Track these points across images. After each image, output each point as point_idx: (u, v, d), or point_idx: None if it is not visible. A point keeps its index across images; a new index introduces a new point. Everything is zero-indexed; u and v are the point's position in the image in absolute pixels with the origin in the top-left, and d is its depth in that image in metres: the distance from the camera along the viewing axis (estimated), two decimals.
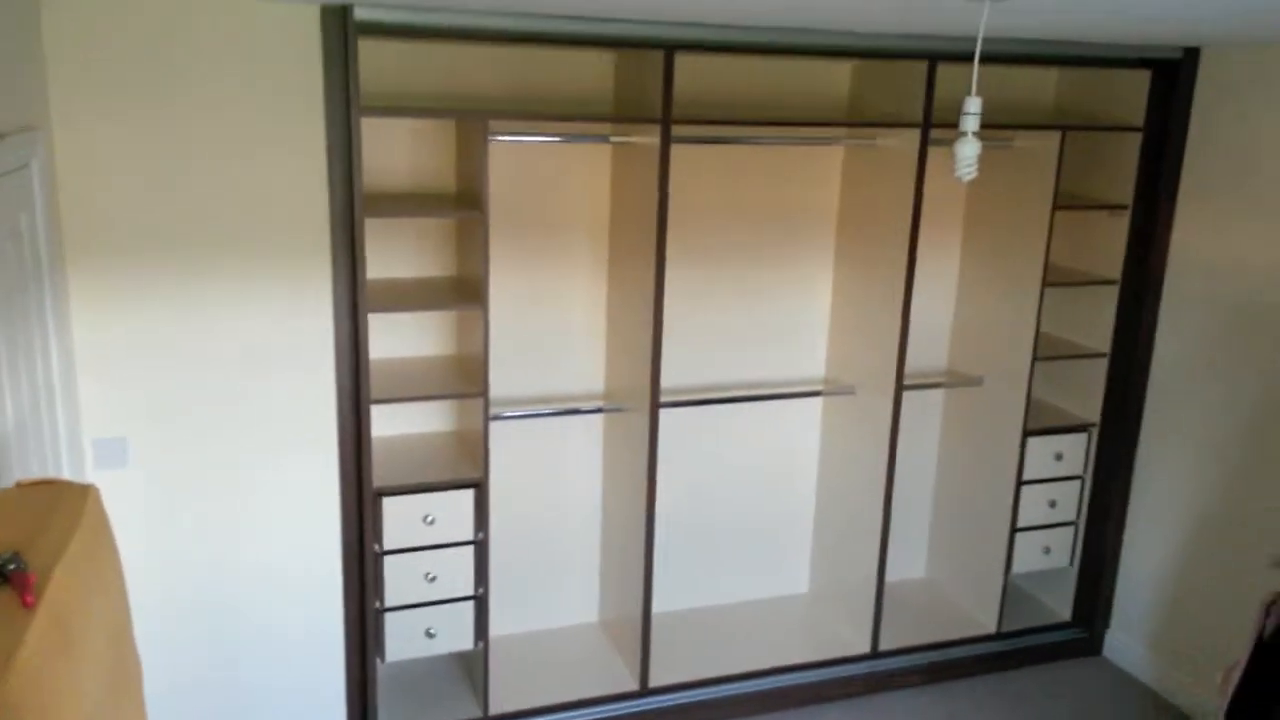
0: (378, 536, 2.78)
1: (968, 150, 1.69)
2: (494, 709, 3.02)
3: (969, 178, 1.72)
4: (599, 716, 3.09)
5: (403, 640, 2.84)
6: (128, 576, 2.65)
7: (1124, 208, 3.34)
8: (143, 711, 1.45)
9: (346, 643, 2.89)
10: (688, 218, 3.27)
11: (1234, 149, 3.12)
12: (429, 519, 2.80)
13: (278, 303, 2.64)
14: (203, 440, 2.65)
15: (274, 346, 2.66)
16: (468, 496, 2.83)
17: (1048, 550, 3.57)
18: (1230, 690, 2.45)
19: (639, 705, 3.13)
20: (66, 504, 1.35)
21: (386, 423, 3.05)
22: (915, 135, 3.01)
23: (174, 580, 2.71)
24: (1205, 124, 3.21)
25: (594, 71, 3.00)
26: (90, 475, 2.55)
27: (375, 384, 2.75)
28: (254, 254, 2.59)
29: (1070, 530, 3.60)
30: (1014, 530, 3.47)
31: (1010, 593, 3.80)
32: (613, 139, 2.98)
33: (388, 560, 2.79)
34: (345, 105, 2.53)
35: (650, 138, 2.81)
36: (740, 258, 3.37)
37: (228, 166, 2.53)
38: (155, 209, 2.50)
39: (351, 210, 2.58)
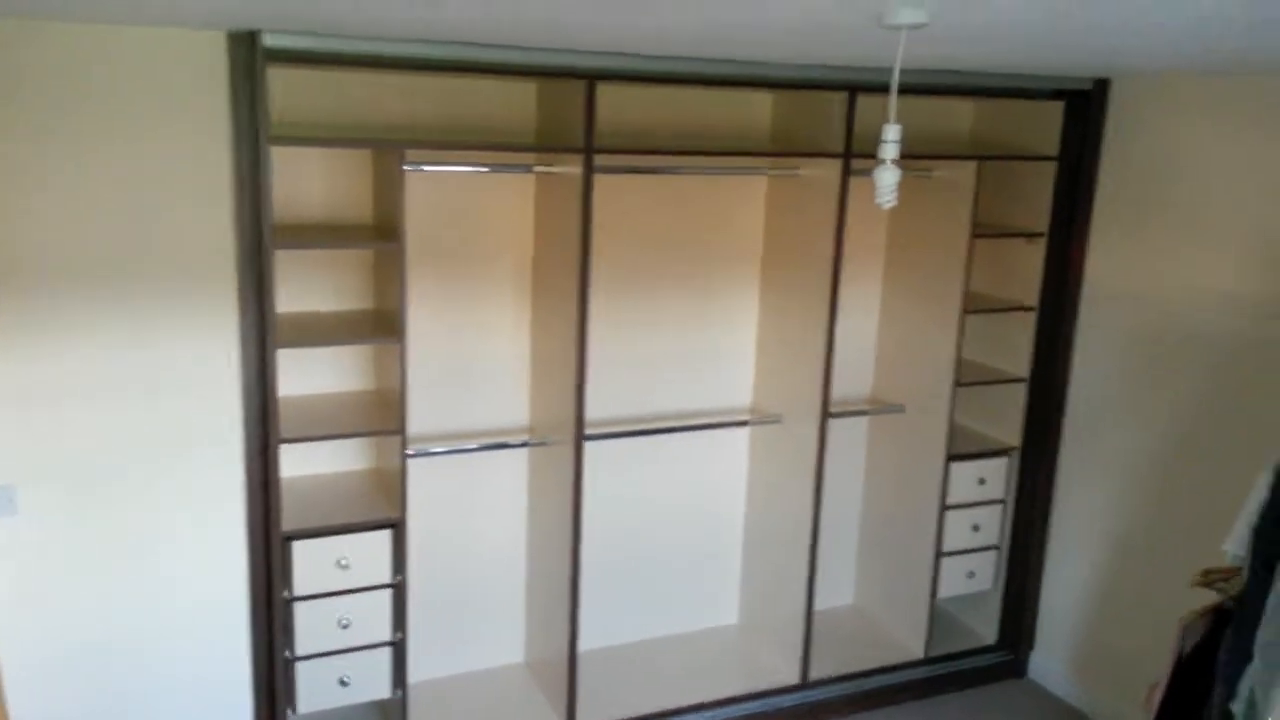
0: (287, 583, 2.65)
1: (887, 178, 1.68)
2: None
3: (889, 205, 1.71)
4: None
5: (315, 690, 2.71)
6: (17, 626, 2.47)
7: (1040, 235, 3.40)
8: None
9: (255, 694, 2.75)
10: (612, 248, 3.22)
11: (1144, 176, 3.20)
12: (343, 562, 2.68)
13: (182, 340, 2.51)
14: (100, 486, 2.50)
15: (177, 385, 2.53)
16: (384, 538, 2.72)
17: (972, 574, 3.60)
18: (1155, 707, 2.49)
19: None
20: None
21: (299, 462, 2.93)
22: (836, 165, 3.02)
23: (70, 635, 2.54)
24: (1116, 152, 3.29)
25: (515, 101, 2.94)
26: None
27: (286, 422, 2.63)
28: (157, 289, 2.46)
29: (994, 554, 3.63)
30: (939, 555, 3.49)
31: (937, 617, 3.80)
32: (535, 169, 2.92)
33: (298, 606, 2.66)
34: (254, 135, 2.42)
35: (573, 168, 2.76)
36: (665, 288, 3.34)
37: (128, 197, 2.40)
38: (50, 242, 2.35)
39: (260, 242, 2.46)
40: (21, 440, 2.41)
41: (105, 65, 2.32)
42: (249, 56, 2.36)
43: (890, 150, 1.71)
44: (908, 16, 1.59)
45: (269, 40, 2.31)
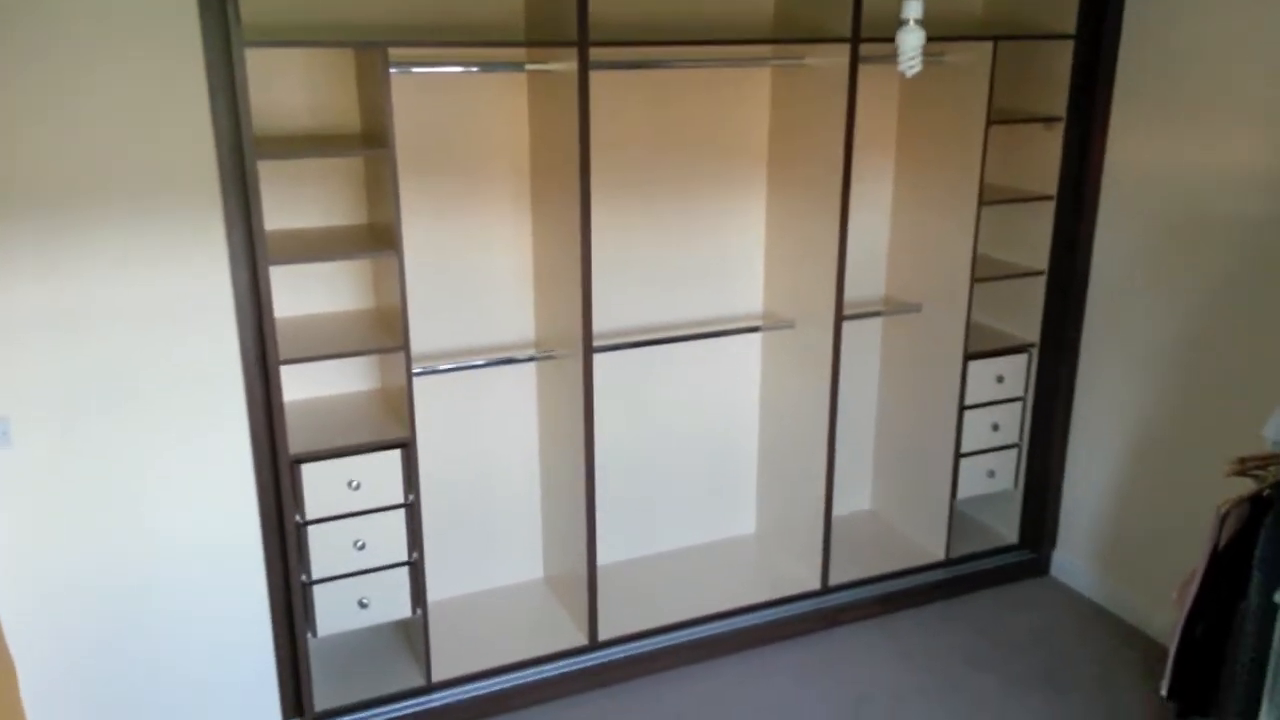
0: (298, 506, 2.59)
1: (912, 40, 1.56)
2: (438, 675, 2.88)
3: (914, 71, 1.59)
4: (549, 674, 2.98)
5: (334, 613, 2.68)
6: (17, 568, 2.43)
7: (1059, 120, 3.25)
8: (17, 713, 1.27)
9: (273, 619, 2.72)
10: (612, 150, 3.09)
11: (1167, 53, 3.04)
12: (354, 484, 2.62)
13: (171, 261, 2.40)
14: (96, 416, 2.42)
15: (168, 308, 2.43)
16: (394, 458, 2.66)
17: (992, 474, 3.54)
18: (1188, 603, 2.44)
19: (590, 660, 3.03)
20: None
21: (301, 385, 2.85)
22: (844, 51, 2.87)
23: (72, 571, 2.49)
24: (1138, 28, 3.12)
25: None
26: None
27: (284, 343, 2.55)
28: (137, 208, 2.35)
29: (1014, 453, 3.57)
30: (958, 456, 3.43)
31: (956, 519, 3.77)
32: (527, 67, 2.77)
33: (311, 530, 2.61)
34: (225, 37, 2.28)
35: (567, 64, 2.61)
36: (670, 190, 3.21)
37: (98, 111, 2.27)
38: (19, 164, 2.23)
39: (241, 152, 2.34)
40: (12, 371, 2.32)
41: None
42: None
43: (914, 8, 1.59)
44: None
45: None
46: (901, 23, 1.59)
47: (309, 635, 2.70)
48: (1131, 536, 3.38)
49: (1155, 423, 3.24)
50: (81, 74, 2.24)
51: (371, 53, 2.46)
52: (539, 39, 2.75)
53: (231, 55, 2.24)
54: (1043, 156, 3.33)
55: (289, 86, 2.61)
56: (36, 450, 2.38)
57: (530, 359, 3.05)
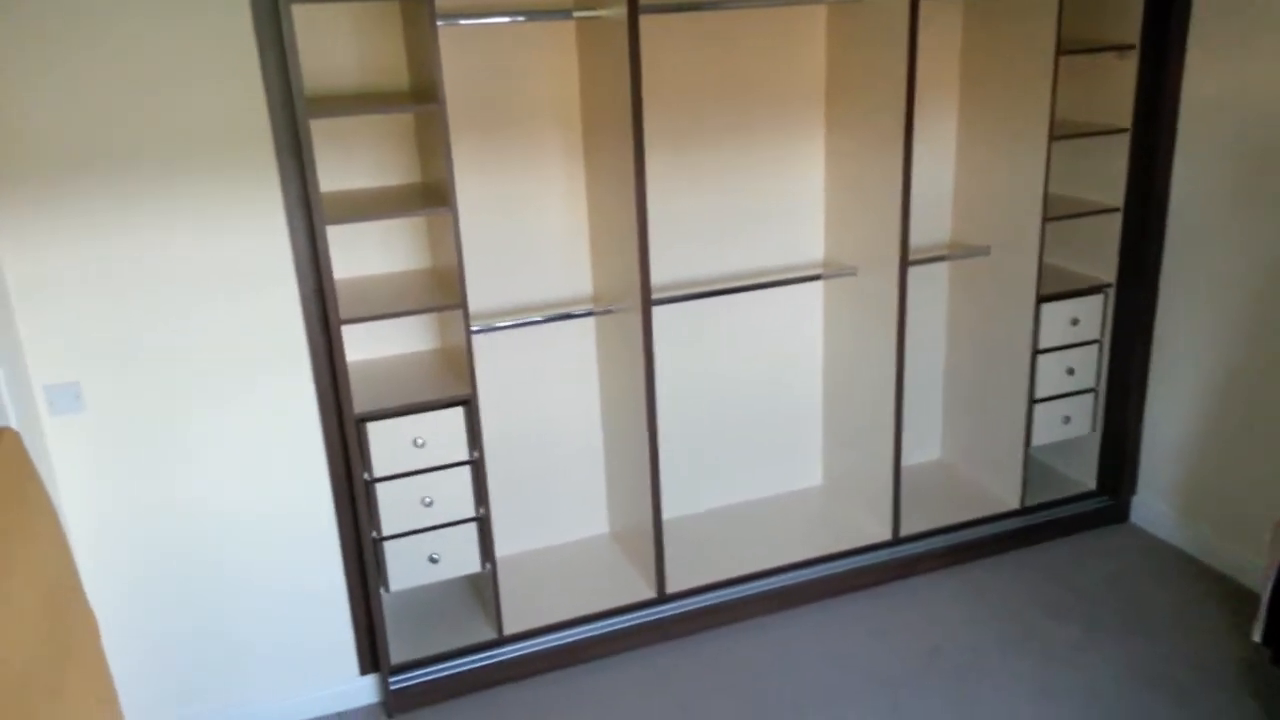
0: (366, 464, 2.62)
1: None
2: (509, 629, 2.91)
3: None
4: (618, 627, 2.99)
5: (406, 568, 2.72)
6: (95, 531, 2.50)
7: (1132, 48, 3.10)
8: (101, 671, 1.30)
9: (347, 576, 2.76)
10: (664, 98, 3.03)
11: None
12: (419, 442, 2.64)
13: (227, 221, 2.43)
14: (165, 377, 2.47)
15: (229, 270, 2.46)
16: (457, 415, 2.67)
17: (1067, 420, 3.43)
18: None
19: (658, 612, 3.03)
20: None
21: (362, 346, 2.87)
22: None
23: (149, 531, 2.56)
24: None
25: None
26: (46, 424, 2.38)
27: (344, 303, 2.56)
28: (195, 169, 2.37)
29: (1090, 397, 3.45)
30: (1032, 401, 3.32)
31: (1031, 466, 3.67)
32: (575, 14, 2.72)
33: (380, 488, 2.64)
34: None
35: (616, 9, 2.56)
36: (725, 137, 3.14)
37: (151, 75, 2.29)
38: (79, 130, 2.27)
39: (293, 112, 2.34)
40: (81, 336, 2.38)
41: None
42: None
43: None
44: None
45: None
46: None
47: (382, 591, 2.74)
48: (1216, 479, 3.25)
49: (1240, 361, 3.10)
50: (134, 37, 2.26)
51: (417, 4, 2.43)
52: None
53: (279, 12, 2.23)
54: (1115, 87, 3.18)
55: (337, 45, 2.60)
56: (108, 414, 2.44)
57: (588, 314, 3.03)
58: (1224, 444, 3.20)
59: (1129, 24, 3.09)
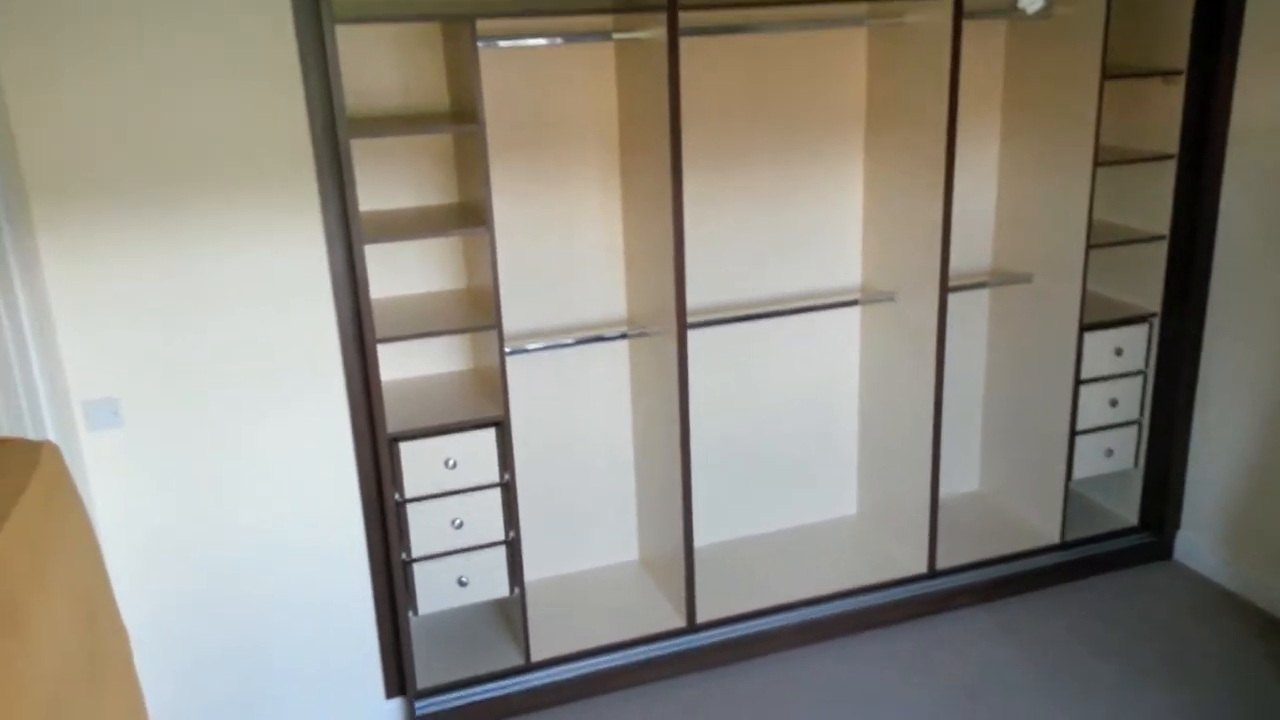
0: (397, 485, 2.60)
1: None
2: (537, 655, 2.87)
3: (1035, 9, 1.47)
4: (647, 656, 2.93)
5: (434, 592, 2.69)
6: (129, 546, 2.49)
7: (1179, 73, 3.04)
8: (132, 688, 1.29)
9: (375, 598, 2.74)
10: (703, 119, 3.01)
11: None
12: (450, 463, 2.62)
13: (266, 240, 2.43)
14: (200, 394, 2.47)
15: (267, 288, 2.46)
16: (489, 436, 2.65)
17: (1110, 453, 3.35)
18: None
19: (689, 642, 2.97)
20: (13, 465, 1.17)
21: (396, 365, 2.86)
22: (947, 6, 2.72)
23: (180, 547, 2.55)
24: None
25: None
26: (83, 440, 2.39)
27: (380, 322, 2.55)
28: (236, 189, 2.38)
29: (1134, 430, 3.37)
30: (1074, 433, 3.25)
31: (1072, 500, 3.58)
32: (615, 35, 2.72)
33: (410, 509, 2.62)
34: (317, 14, 2.29)
35: (656, 30, 2.55)
36: (763, 160, 3.12)
37: (195, 95, 2.31)
38: (123, 149, 2.29)
39: (334, 131, 2.35)
40: (119, 352, 2.38)
41: None
42: None
43: None
44: None
45: None
46: None
47: (410, 614, 2.71)
48: (1264, 516, 3.15)
49: None
50: (180, 60, 2.27)
51: (459, 26, 2.44)
52: (626, 5, 2.69)
53: (323, 33, 2.24)
54: (1162, 113, 3.13)
55: (379, 65, 2.61)
56: (146, 429, 2.44)
57: (623, 336, 3.01)
58: (1271, 480, 3.11)
59: (1177, 48, 3.04)
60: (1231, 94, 3.06)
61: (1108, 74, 2.96)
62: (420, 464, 2.59)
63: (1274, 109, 2.95)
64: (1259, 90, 2.98)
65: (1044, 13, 2.94)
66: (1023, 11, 1.52)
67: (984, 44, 3.25)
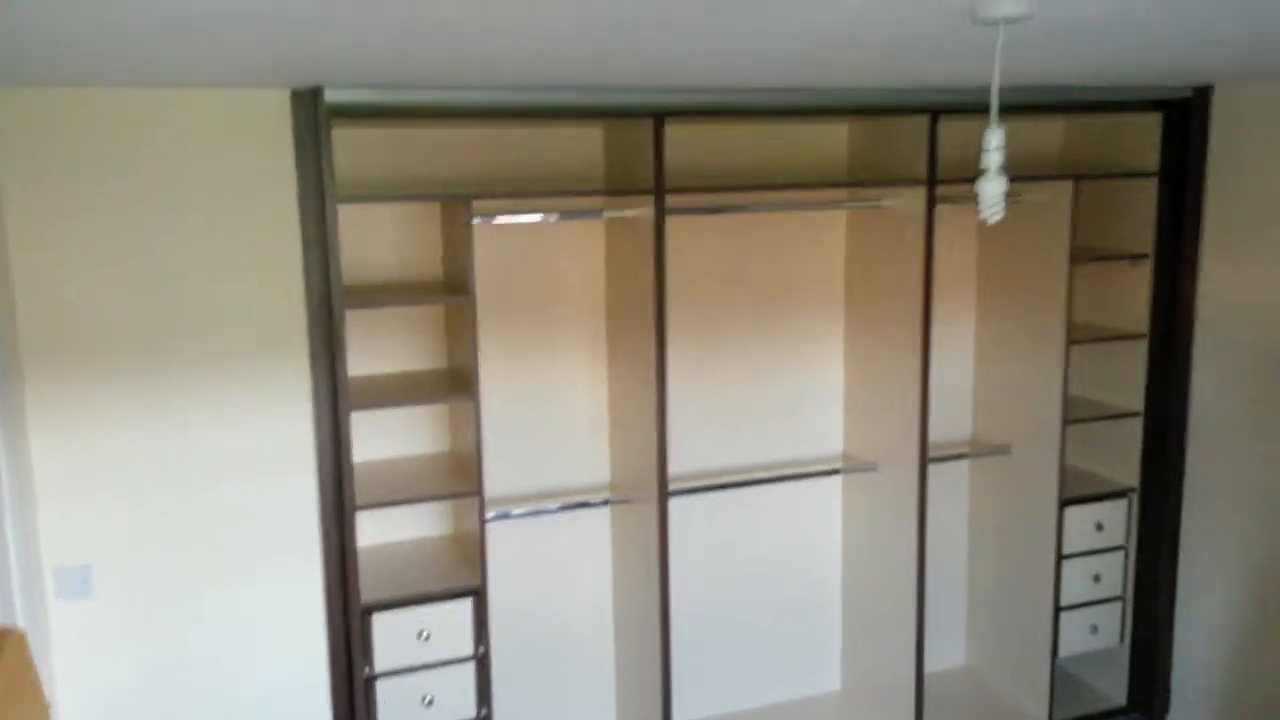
0: (368, 658, 2.52)
1: (992, 189, 1.53)
2: None
3: (996, 218, 1.55)
4: None
5: None
6: (96, 716, 2.39)
7: (1145, 257, 3.17)
8: None
9: None
10: (688, 292, 3.10)
11: (1256, 187, 2.97)
12: (424, 635, 2.55)
13: (253, 407, 2.45)
14: (175, 562, 2.43)
15: (250, 455, 2.46)
16: (466, 606, 2.59)
17: (1095, 629, 3.30)
18: None
19: None
20: None
21: (375, 529, 2.83)
22: (921, 193, 2.86)
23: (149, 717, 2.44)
24: (1223, 163, 3.07)
25: (582, 144, 2.87)
26: (51, 608, 2.32)
27: (361, 488, 2.54)
28: (227, 355, 2.41)
29: (1118, 606, 3.34)
30: (1058, 609, 3.21)
31: (1059, 678, 3.51)
32: (605, 214, 2.83)
33: (380, 684, 2.53)
34: (319, 194, 2.38)
35: (644, 210, 2.65)
36: (746, 331, 3.19)
37: (196, 264, 2.37)
38: (120, 313, 2.32)
39: (330, 303, 2.40)
40: (95, 518, 2.35)
41: (166, 127, 2.31)
42: (312, 114, 2.32)
43: (994, 158, 1.57)
44: (1009, 8, 1.44)
45: (331, 95, 2.27)
46: (981, 171, 1.56)
47: None
48: (1255, 697, 3.08)
49: (1274, 571, 3.01)
50: (178, 228, 2.35)
51: (455, 205, 2.53)
52: (617, 187, 2.81)
53: (325, 212, 2.32)
54: (1131, 293, 3.24)
55: (377, 237, 2.69)
56: (116, 597, 2.38)
57: (605, 503, 2.99)
58: (1261, 658, 3.06)
59: (1143, 233, 3.18)
60: (1196, 277, 3.18)
61: (1076, 257, 3.08)
62: (393, 636, 2.53)
63: (1237, 292, 3.06)
64: (1221, 274, 3.11)
65: (1007, 205, 3.09)
66: (984, 221, 1.60)
67: (958, 227, 3.39)
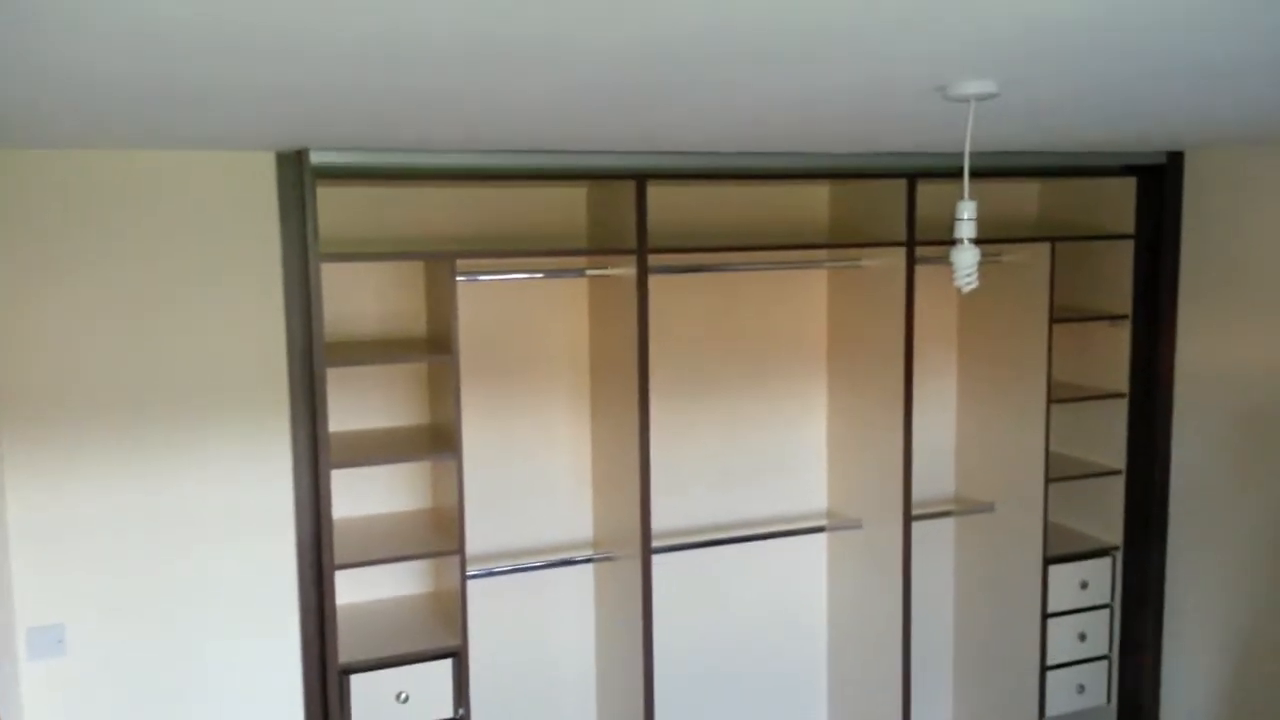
0: None
1: (966, 258, 1.56)
2: None
3: (970, 287, 1.58)
4: None
5: None
6: None
7: (1124, 317, 3.21)
8: None
9: None
10: (671, 350, 3.12)
11: (1229, 249, 3.02)
12: (402, 696, 2.52)
13: (233, 465, 2.44)
14: (150, 622, 2.40)
15: (228, 513, 2.45)
16: (445, 667, 2.56)
17: (1082, 688, 3.28)
18: None
19: None
20: None
21: (354, 588, 2.80)
22: (900, 254, 2.90)
23: None
24: (1198, 226, 3.12)
25: (565, 204, 2.90)
26: (22, 669, 2.29)
27: (340, 546, 2.52)
28: (206, 413, 2.41)
29: (1104, 665, 3.32)
30: (1044, 668, 3.19)
31: None
32: (588, 272, 2.85)
33: None
34: (303, 253, 2.40)
35: (626, 269, 2.68)
36: (729, 389, 3.21)
37: (177, 323, 2.38)
38: (99, 371, 2.33)
39: (312, 361, 2.41)
40: (68, 579, 2.33)
41: (151, 187, 2.33)
42: (297, 175, 2.35)
43: (967, 229, 1.60)
44: (975, 87, 1.49)
45: (316, 157, 2.31)
46: (955, 242, 1.59)
47: None
48: None
49: (1256, 624, 3.00)
50: (172, 295, 2.36)
51: (439, 263, 2.55)
52: (600, 246, 2.84)
53: (309, 270, 2.34)
54: (1112, 353, 3.27)
55: (360, 294, 2.71)
56: (90, 656, 2.35)
57: (588, 560, 2.98)
58: (1249, 712, 3.04)
59: (1121, 294, 3.22)
60: (1174, 337, 3.22)
61: (1055, 317, 3.11)
62: (371, 698, 2.49)
63: (1215, 352, 3.09)
64: (1199, 335, 3.14)
65: (985, 266, 3.13)
66: (959, 290, 1.63)
67: (939, 286, 3.42)
